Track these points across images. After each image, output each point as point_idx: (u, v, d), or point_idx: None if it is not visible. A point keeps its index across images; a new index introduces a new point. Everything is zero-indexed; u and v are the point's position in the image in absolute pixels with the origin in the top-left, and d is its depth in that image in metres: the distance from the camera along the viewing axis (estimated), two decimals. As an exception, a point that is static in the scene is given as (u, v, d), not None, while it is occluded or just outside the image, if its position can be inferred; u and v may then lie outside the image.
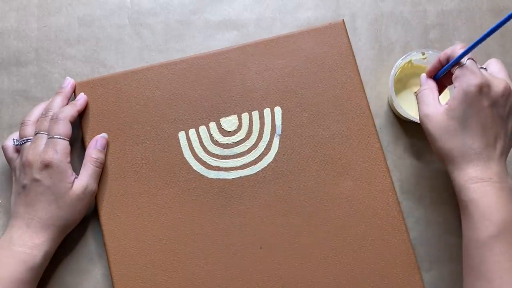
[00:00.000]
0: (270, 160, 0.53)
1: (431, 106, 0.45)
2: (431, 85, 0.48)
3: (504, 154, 0.44)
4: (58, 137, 0.49)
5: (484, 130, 0.43)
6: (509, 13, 0.38)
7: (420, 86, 0.49)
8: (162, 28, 0.58)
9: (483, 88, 0.42)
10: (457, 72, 0.44)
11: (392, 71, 0.53)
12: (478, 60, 0.57)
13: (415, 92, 0.50)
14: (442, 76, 0.48)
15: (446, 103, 0.45)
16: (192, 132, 0.53)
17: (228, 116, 0.54)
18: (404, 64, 0.54)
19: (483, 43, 0.58)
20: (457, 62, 0.44)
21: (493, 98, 0.42)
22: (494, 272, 0.40)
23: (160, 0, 0.59)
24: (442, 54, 0.46)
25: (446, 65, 0.46)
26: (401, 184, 0.55)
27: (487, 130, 0.43)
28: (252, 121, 0.54)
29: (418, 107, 0.47)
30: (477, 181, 0.42)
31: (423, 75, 0.49)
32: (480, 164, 0.43)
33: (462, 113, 0.43)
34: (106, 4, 0.59)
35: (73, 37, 0.58)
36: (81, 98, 0.53)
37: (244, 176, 0.52)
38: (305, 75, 0.54)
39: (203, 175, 0.53)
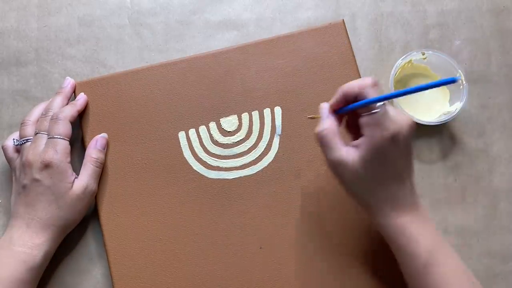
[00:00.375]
0: (270, 160, 0.53)
1: (338, 151, 0.42)
2: (332, 124, 0.43)
3: (413, 178, 0.44)
4: (58, 137, 0.49)
5: (399, 173, 0.42)
6: (445, 79, 0.36)
7: (320, 119, 0.44)
8: (162, 28, 0.58)
9: (395, 137, 0.40)
10: (368, 119, 0.40)
11: (392, 71, 0.53)
12: (477, 60, 0.58)
13: (310, 117, 0.47)
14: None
15: (356, 146, 0.41)
16: (192, 132, 0.53)
17: (228, 116, 0.54)
18: (404, 64, 0.54)
19: (483, 41, 0.58)
20: (367, 104, 0.40)
21: (404, 142, 0.41)
22: None
23: (160, 0, 0.59)
24: (348, 88, 0.41)
25: (354, 104, 0.41)
26: (401, 184, 0.55)
27: (401, 172, 0.42)
28: (252, 121, 0.54)
29: (322, 150, 0.43)
30: (394, 217, 0.42)
31: (325, 107, 0.44)
32: (396, 202, 0.42)
33: (376, 163, 0.41)
34: (106, 4, 0.58)
35: (73, 37, 0.58)
36: (81, 98, 0.53)
37: (244, 176, 0.53)
38: (305, 75, 0.54)
39: (203, 175, 0.53)
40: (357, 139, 0.42)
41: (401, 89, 0.39)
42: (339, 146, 0.42)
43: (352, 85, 0.41)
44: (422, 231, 0.42)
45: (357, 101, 0.41)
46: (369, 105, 0.40)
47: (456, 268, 0.42)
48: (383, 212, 0.42)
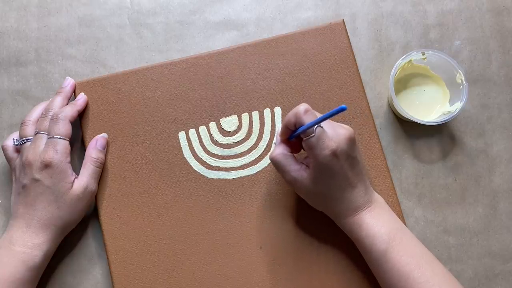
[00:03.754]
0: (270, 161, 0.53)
1: (290, 172, 0.46)
2: (283, 149, 0.47)
3: (365, 178, 0.48)
4: (58, 137, 0.49)
5: (349, 181, 0.46)
6: (336, 109, 0.40)
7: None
8: (162, 28, 0.58)
9: (335, 153, 0.44)
10: (307, 143, 0.44)
11: (392, 71, 0.53)
12: (477, 60, 0.58)
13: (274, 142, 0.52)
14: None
15: (307, 166, 0.46)
16: (192, 132, 0.53)
17: (228, 116, 0.54)
18: (404, 64, 0.54)
19: (483, 41, 0.58)
20: (304, 131, 0.44)
21: (345, 154, 0.45)
22: (396, 279, 0.44)
23: (160, 0, 0.59)
24: (287, 120, 0.46)
25: (296, 132, 0.46)
26: (401, 184, 0.55)
27: (350, 180, 0.46)
28: (252, 121, 0.54)
29: (279, 172, 0.48)
30: (351, 215, 0.47)
31: (277, 136, 0.49)
32: (350, 205, 0.47)
33: (325, 178, 0.45)
34: (106, 4, 0.58)
35: (73, 37, 0.58)
36: (81, 98, 0.53)
37: (244, 176, 0.53)
38: (305, 75, 0.54)
39: (203, 175, 0.53)
40: (296, 161, 0.47)
41: (328, 112, 0.42)
42: (292, 167, 0.46)
43: (289, 116, 0.45)
44: (378, 222, 0.46)
45: (297, 128, 0.45)
46: (306, 130, 0.44)
47: (413, 251, 0.45)
48: (341, 215, 0.47)
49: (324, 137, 0.44)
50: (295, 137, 0.47)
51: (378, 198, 0.49)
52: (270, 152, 0.51)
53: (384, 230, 0.46)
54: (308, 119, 0.44)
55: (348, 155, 0.46)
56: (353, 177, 0.46)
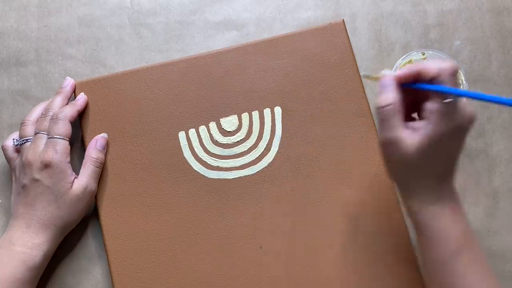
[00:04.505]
0: (270, 160, 0.53)
1: (396, 131, 0.39)
2: (398, 99, 0.40)
3: (455, 173, 0.43)
4: (58, 137, 0.49)
5: (448, 163, 0.42)
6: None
7: (384, 89, 0.41)
8: (162, 28, 0.58)
9: (457, 130, 0.39)
10: (439, 106, 0.38)
11: (392, 71, 0.53)
12: (477, 60, 0.58)
13: (366, 76, 0.44)
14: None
15: (414, 129, 0.40)
16: (192, 132, 0.53)
17: (228, 116, 0.54)
18: (404, 64, 0.54)
19: (483, 41, 0.58)
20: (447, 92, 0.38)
21: (462, 136, 0.41)
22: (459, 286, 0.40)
23: (160, 0, 0.59)
24: (426, 68, 0.39)
25: (431, 86, 0.39)
26: (401, 184, 0.54)
27: (449, 162, 0.42)
28: (252, 121, 0.54)
29: (379, 125, 0.41)
30: (432, 203, 0.41)
31: (390, 77, 0.40)
32: (436, 190, 0.42)
33: (432, 152, 0.39)
34: (106, 4, 0.59)
35: (73, 37, 0.58)
36: (81, 98, 0.53)
37: (244, 176, 0.53)
38: (305, 75, 0.54)
39: (203, 175, 0.53)
40: (403, 119, 0.40)
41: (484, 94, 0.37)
42: (399, 125, 0.39)
43: (432, 67, 0.38)
44: (456, 223, 0.41)
45: (431, 83, 0.38)
46: (446, 92, 0.37)
47: (481, 260, 0.42)
48: (421, 198, 0.41)
49: (457, 107, 0.38)
50: (416, 88, 0.39)
51: (458, 195, 0.43)
52: (378, 96, 0.41)
53: (460, 232, 0.41)
54: (451, 82, 0.38)
55: (463, 138, 0.40)
56: (453, 164, 0.41)
